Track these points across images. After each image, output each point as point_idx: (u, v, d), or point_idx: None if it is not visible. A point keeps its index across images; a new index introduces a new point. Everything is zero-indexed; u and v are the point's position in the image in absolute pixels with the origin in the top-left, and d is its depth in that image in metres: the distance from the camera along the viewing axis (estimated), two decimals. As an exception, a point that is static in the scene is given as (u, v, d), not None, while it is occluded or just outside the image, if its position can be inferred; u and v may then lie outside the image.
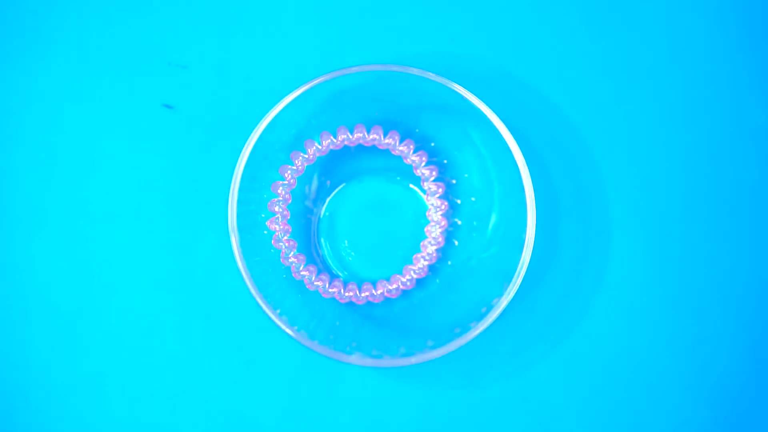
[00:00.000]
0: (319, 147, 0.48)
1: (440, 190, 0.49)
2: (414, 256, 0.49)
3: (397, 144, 0.48)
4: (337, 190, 0.50)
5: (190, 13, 0.51)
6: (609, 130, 0.50)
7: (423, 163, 0.48)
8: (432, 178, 0.48)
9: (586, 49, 0.51)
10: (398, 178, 0.50)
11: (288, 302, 0.47)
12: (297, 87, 0.45)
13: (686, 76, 0.51)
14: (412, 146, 0.48)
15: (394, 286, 0.48)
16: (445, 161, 0.49)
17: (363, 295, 0.48)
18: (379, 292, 0.48)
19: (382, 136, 0.48)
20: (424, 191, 0.50)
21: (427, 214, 0.49)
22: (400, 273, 0.50)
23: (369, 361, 0.44)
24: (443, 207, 0.49)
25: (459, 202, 0.49)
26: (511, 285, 0.45)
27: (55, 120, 0.51)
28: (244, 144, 0.45)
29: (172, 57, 0.51)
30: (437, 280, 0.50)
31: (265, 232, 0.48)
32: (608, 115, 0.51)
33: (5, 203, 0.50)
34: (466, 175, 0.49)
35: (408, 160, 0.48)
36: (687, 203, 0.50)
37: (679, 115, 0.51)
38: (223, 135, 0.50)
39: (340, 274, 0.50)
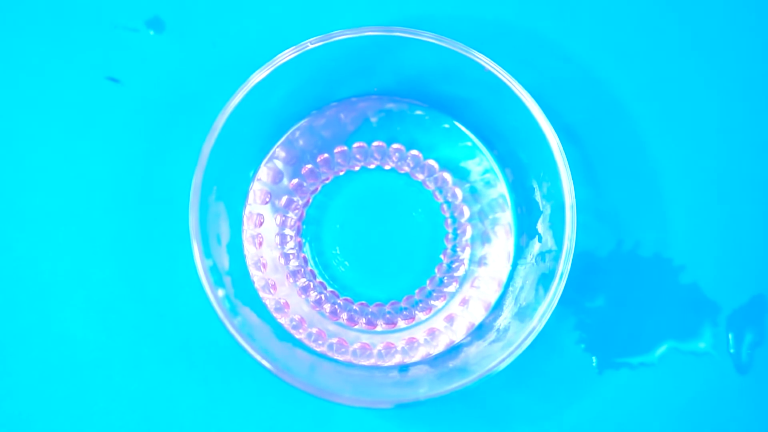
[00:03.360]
0: (316, 180, 0.49)
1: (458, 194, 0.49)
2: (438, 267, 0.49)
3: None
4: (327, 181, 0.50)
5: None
6: (665, 120, 0.51)
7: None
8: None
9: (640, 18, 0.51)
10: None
11: (268, 330, 0.47)
12: (277, 54, 0.44)
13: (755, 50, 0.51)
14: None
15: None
16: (469, 144, 0.49)
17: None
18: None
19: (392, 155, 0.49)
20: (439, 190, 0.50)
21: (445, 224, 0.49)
22: (411, 292, 0.49)
23: (364, 401, 0.44)
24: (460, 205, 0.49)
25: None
26: (543, 305, 0.44)
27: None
28: (210, 128, 0.44)
29: (119, 18, 0.51)
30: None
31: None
32: (662, 98, 0.51)
33: None
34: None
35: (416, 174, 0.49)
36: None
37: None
38: (183, 116, 0.50)
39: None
